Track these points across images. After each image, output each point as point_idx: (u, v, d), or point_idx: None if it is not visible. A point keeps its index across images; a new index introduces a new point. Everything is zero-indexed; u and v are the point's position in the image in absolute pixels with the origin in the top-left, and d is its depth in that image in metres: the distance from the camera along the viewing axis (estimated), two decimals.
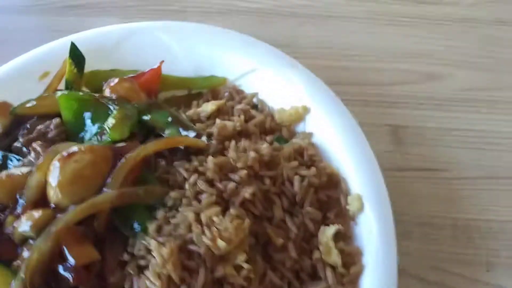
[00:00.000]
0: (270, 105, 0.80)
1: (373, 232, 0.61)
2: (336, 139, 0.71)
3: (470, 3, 0.98)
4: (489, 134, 0.80)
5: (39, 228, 0.62)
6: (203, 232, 0.58)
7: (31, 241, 0.62)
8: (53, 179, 0.64)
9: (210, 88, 0.86)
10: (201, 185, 0.63)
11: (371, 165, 0.67)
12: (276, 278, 0.59)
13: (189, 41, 0.88)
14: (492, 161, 0.78)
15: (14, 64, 0.90)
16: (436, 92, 0.83)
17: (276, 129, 0.76)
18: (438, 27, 0.92)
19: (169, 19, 1.03)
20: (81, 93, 0.79)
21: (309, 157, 0.69)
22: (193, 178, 0.64)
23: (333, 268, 0.60)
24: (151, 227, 0.61)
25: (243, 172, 0.63)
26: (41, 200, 0.66)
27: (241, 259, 0.58)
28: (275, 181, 0.65)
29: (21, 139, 0.77)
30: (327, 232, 0.61)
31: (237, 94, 0.83)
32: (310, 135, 0.74)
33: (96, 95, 0.78)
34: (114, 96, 0.78)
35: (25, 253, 0.61)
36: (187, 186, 0.64)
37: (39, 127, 0.77)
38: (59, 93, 0.77)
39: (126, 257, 0.61)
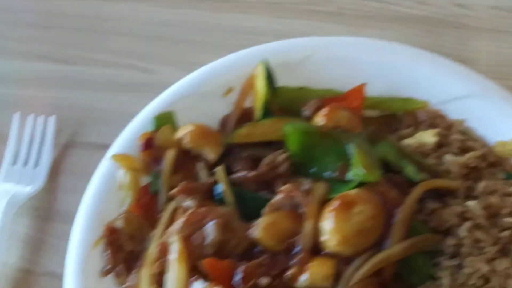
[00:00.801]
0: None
1: None
2: None
3: None
4: None
5: (331, 278, 0.62)
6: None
7: None
8: (333, 229, 0.64)
9: (406, 110, 0.86)
10: (479, 234, 0.66)
11: None
12: None
13: (383, 59, 0.86)
14: None
15: (192, 80, 0.85)
16: None
17: (496, 162, 0.78)
18: None
19: (322, 21, 1.00)
20: (305, 125, 0.76)
21: None
22: (467, 225, 0.67)
23: None
24: (443, 274, 0.64)
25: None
26: (314, 247, 0.66)
27: None
28: None
29: (246, 173, 0.74)
30: None
31: (440, 119, 0.83)
32: None
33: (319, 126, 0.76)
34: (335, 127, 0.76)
35: None
36: (461, 233, 0.66)
37: (266, 159, 0.74)
38: (287, 127, 0.74)
39: None
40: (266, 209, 0.68)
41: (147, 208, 0.75)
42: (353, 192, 0.66)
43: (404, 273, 0.65)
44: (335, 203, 0.65)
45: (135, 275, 0.70)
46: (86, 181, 0.75)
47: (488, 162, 0.78)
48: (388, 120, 0.86)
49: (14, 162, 0.87)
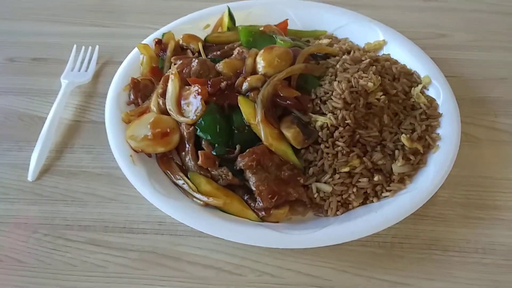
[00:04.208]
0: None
1: (440, 92, 1.10)
2: (404, 54, 1.21)
3: None
4: None
5: (262, 82, 1.04)
6: (358, 81, 1.04)
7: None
8: (262, 60, 1.07)
9: (315, 37, 1.34)
10: (347, 65, 1.10)
11: (427, 60, 1.17)
12: (396, 108, 1.05)
13: (303, 11, 1.36)
14: None
15: (186, 19, 1.33)
16: None
17: (363, 51, 1.25)
18: None
19: None
20: (251, 26, 1.23)
21: (393, 62, 1.19)
22: (340, 62, 1.11)
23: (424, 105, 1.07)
24: (325, 81, 1.06)
25: (367, 61, 1.11)
26: (252, 73, 1.08)
27: (379, 94, 1.04)
28: (382, 67, 1.13)
29: (215, 53, 1.19)
30: (416, 89, 1.09)
31: (334, 39, 1.31)
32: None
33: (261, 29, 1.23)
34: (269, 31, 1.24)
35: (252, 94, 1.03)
36: (338, 66, 1.10)
37: (226, 46, 1.20)
38: (240, 27, 1.22)
39: (313, 96, 1.05)
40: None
41: (154, 74, 1.18)
42: (273, 45, 1.12)
43: (303, 84, 1.07)
44: (263, 49, 1.10)
45: (148, 101, 1.11)
46: None
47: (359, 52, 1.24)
48: (306, 42, 1.34)
49: (72, 69, 1.30)
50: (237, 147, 0.98)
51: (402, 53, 1.22)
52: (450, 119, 1.04)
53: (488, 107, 1.19)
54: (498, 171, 1.05)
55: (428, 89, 1.13)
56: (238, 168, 0.96)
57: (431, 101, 1.09)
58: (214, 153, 0.98)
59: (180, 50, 1.22)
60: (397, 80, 1.12)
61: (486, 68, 1.29)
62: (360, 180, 0.96)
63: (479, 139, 1.12)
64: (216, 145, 0.99)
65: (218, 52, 1.19)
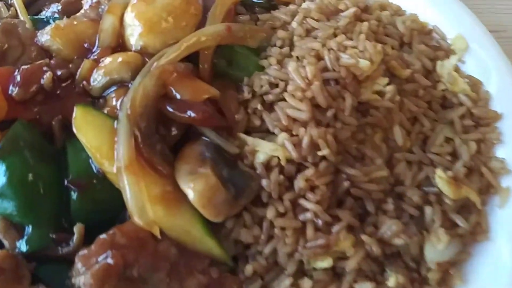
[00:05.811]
0: None
1: (488, 67, 0.56)
2: None
3: None
4: None
5: (133, 68, 0.47)
6: (338, 56, 0.48)
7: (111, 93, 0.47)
8: (136, 17, 0.49)
9: None
10: (312, 21, 0.54)
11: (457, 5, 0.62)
12: (412, 106, 0.51)
13: None
14: None
15: None
16: None
17: None
18: None
19: None
20: None
21: (395, 10, 0.63)
22: (298, 17, 0.54)
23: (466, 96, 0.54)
24: (270, 60, 0.50)
25: (351, 11, 0.55)
26: (117, 48, 0.50)
27: (383, 82, 0.50)
28: (378, 23, 0.57)
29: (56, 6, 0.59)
30: (447, 65, 0.56)
31: None
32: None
33: None
34: None
35: (114, 101, 0.46)
36: (294, 25, 0.54)
37: None
38: None
39: (246, 95, 0.49)
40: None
41: None
42: None
43: (225, 67, 0.51)
44: None
45: None
46: None
47: None
48: None
49: None
50: (76, 229, 0.42)
51: None
52: None
53: None
54: None
55: (464, 62, 0.58)
56: (77, 286, 0.40)
57: (476, 87, 0.55)
58: (23, 250, 0.41)
59: None
60: (408, 47, 0.57)
61: None
62: (356, 286, 0.42)
63: None
64: (30, 227, 0.42)
65: (59, 6, 0.59)
